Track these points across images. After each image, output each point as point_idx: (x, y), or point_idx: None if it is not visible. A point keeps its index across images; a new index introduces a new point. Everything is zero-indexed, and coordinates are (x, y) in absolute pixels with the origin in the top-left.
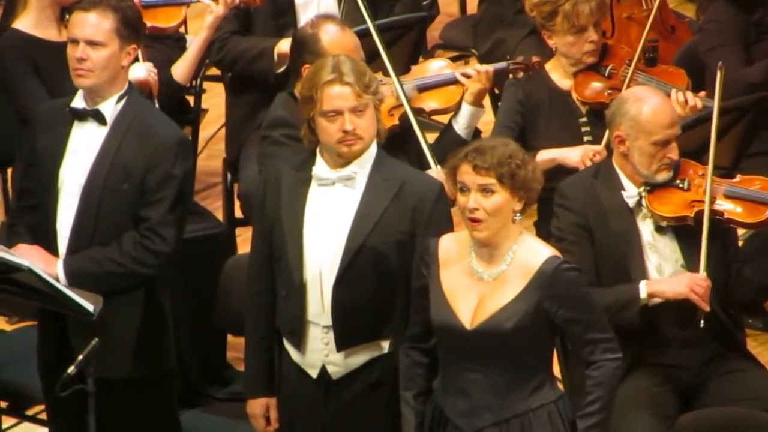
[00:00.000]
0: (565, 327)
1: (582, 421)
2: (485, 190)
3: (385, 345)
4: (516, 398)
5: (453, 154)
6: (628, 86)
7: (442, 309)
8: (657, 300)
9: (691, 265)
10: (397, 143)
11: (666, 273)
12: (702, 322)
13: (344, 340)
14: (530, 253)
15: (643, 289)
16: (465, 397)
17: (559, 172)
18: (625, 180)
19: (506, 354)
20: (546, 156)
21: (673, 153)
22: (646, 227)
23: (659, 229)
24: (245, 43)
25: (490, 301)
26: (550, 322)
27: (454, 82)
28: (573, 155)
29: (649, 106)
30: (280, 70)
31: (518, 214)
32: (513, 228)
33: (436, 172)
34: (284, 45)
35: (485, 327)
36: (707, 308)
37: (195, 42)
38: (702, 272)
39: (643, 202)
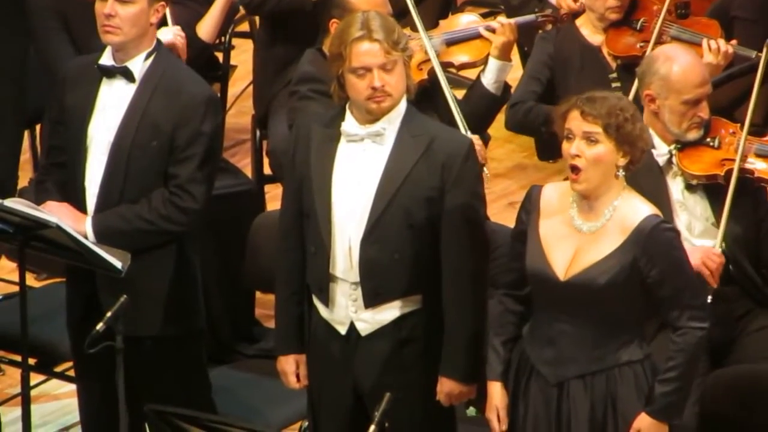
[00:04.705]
0: (655, 288)
1: (660, 386)
2: (589, 138)
3: (415, 301)
4: (603, 352)
5: (565, 101)
6: (659, 38)
7: (536, 257)
8: None
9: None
10: (426, 98)
11: (696, 231)
12: (709, 298)
13: (372, 297)
14: (630, 210)
15: None
16: (553, 346)
17: None
18: (655, 138)
19: (597, 308)
20: None
21: (704, 112)
22: (676, 186)
23: (689, 187)
24: None
25: (585, 254)
26: (643, 281)
27: (480, 36)
28: None
29: (680, 65)
30: None
31: (621, 170)
32: (616, 183)
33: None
34: None
35: (578, 280)
36: (715, 285)
37: (218, 1)
38: (719, 240)
39: (674, 160)
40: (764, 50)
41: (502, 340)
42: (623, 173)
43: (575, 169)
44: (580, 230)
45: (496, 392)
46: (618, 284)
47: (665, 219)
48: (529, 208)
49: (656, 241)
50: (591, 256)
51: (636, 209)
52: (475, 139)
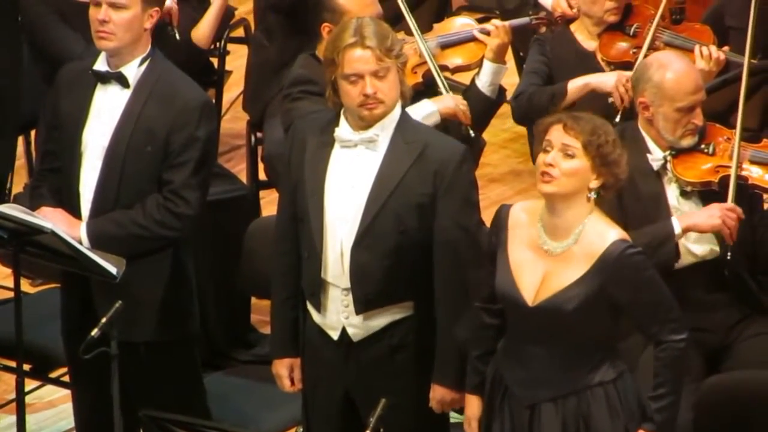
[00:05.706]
0: (629, 309)
1: (654, 402)
2: (566, 152)
3: (406, 308)
4: (574, 375)
5: (549, 115)
6: (652, 44)
7: (505, 281)
8: (689, 261)
9: None
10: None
11: (692, 237)
12: (729, 255)
13: (363, 303)
14: (597, 235)
15: (677, 224)
16: (524, 368)
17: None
18: (650, 143)
19: (567, 332)
20: (579, 83)
21: (698, 119)
22: (671, 191)
23: (684, 193)
24: None
25: (554, 279)
26: (614, 304)
27: (475, 39)
28: (608, 80)
29: (673, 72)
30: None
31: (593, 193)
32: (585, 205)
33: (450, 97)
34: None
35: (546, 305)
36: (731, 242)
37: (213, 6)
38: (730, 198)
39: (668, 166)
40: None
41: (478, 353)
42: (594, 196)
43: (546, 174)
44: (548, 251)
45: (470, 404)
46: (586, 310)
47: (632, 243)
48: (498, 228)
49: (624, 267)
50: (559, 281)
51: (603, 234)
52: (459, 99)
